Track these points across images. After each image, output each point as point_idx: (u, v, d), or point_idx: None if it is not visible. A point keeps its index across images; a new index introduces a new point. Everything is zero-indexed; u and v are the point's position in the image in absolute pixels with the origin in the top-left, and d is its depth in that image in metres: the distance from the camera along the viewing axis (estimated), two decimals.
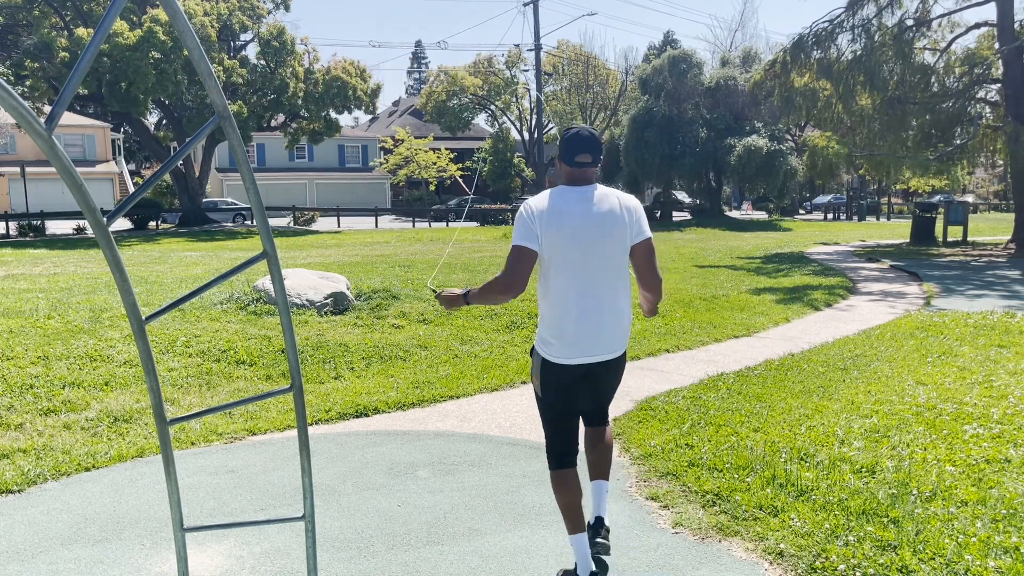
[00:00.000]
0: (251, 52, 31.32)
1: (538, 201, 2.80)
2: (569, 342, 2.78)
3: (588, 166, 2.82)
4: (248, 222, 33.82)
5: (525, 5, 39.53)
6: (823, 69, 19.42)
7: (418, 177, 42.57)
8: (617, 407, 5.33)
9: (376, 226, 34.36)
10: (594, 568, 2.85)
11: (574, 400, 2.89)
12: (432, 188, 44.38)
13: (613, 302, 2.83)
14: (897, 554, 2.99)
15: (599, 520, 3.06)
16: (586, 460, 3.10)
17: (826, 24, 19.44)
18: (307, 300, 8.39)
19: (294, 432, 4.89)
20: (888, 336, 7.61)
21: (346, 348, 7.05)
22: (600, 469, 3.10)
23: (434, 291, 3.18)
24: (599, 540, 3.01)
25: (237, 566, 3.10)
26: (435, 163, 41.68)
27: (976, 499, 3.46)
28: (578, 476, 2.90)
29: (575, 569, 2.86)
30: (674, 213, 40.76)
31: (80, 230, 27.39)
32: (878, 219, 41.58)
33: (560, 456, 2.89)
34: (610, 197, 2.82)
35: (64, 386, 5.63)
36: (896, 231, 28.36)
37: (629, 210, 2.82)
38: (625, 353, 2.95)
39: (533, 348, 2.95)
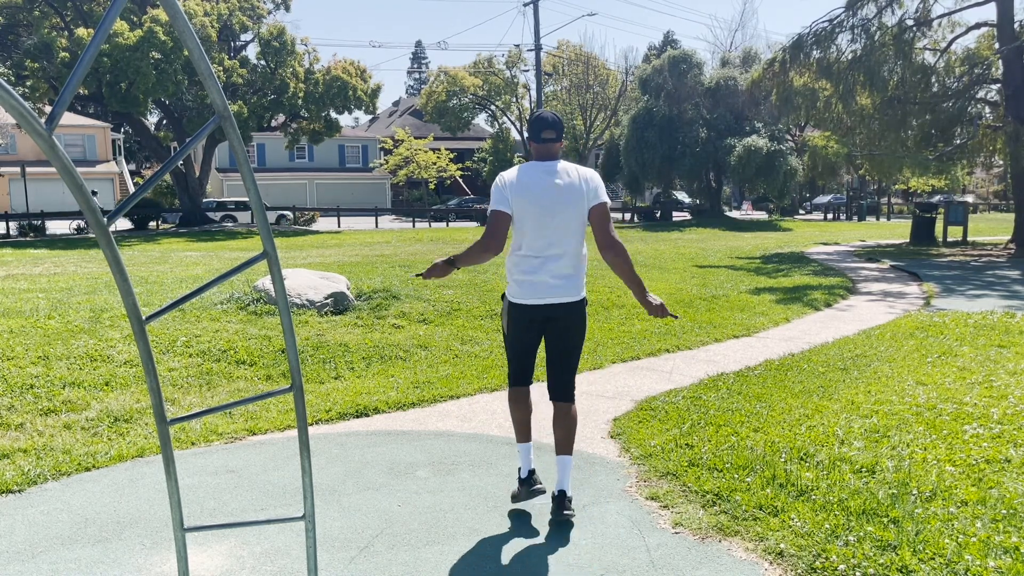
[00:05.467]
0: (251, 52, 31.36)
1: (510, 173, 3.36)
2: (532, 287, 3.33)
3: (552, 141, 3.35)
4: (245, 220, 33.79)
5: (525, 5, 39.54)
6: (823, 69, 19.42)
7: (418, 177, 42.56)
8: (617, 407, 5.33)
9: (376, 226, 34.36)
10: (532, 467, 3.52)
11: (531, 335, 3.46)
12: (432, 188, 44.38)
13: (570, 256, 3.34)
14: (897, 554, 2.99)
15: (562, 493, 3.44)
16: (553, 436, 3.53)
17: (826, 24, 19.44)
18: (307, 300, 8.39)
19: (294, 432, 4.89)
20: (888, 336, 7.61)
21: (346, 348, 7.05)
22: (565, 444, 3.47)
23: (418, 275, 3.53)
24: (564, 512, 3.39)
25: (237, 566, 3.10)
26: (435, 163, 41.67)
27: (976, 499, 3.46)
28: (530, 395, 3.54)
29: (518, 472, 3.48)
30: (674, 213, 40.76)
31: (80, 230, 27.38)
32: (878, 219, 41.59)
33: (518, 376, 3.53)
34: (570, 170, 3.34)
35: (64, 386, 5.63)
36: (896, 231, 28.36)
37: (586, 180, 3.33)
38: (583, 302, 3.46)
39: (503, 294, 3.51)
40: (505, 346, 3.57)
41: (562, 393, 3.50)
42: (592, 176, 3.36)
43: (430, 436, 4.78)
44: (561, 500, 3.42)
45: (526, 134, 3.41)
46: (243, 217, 33.79)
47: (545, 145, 3.34)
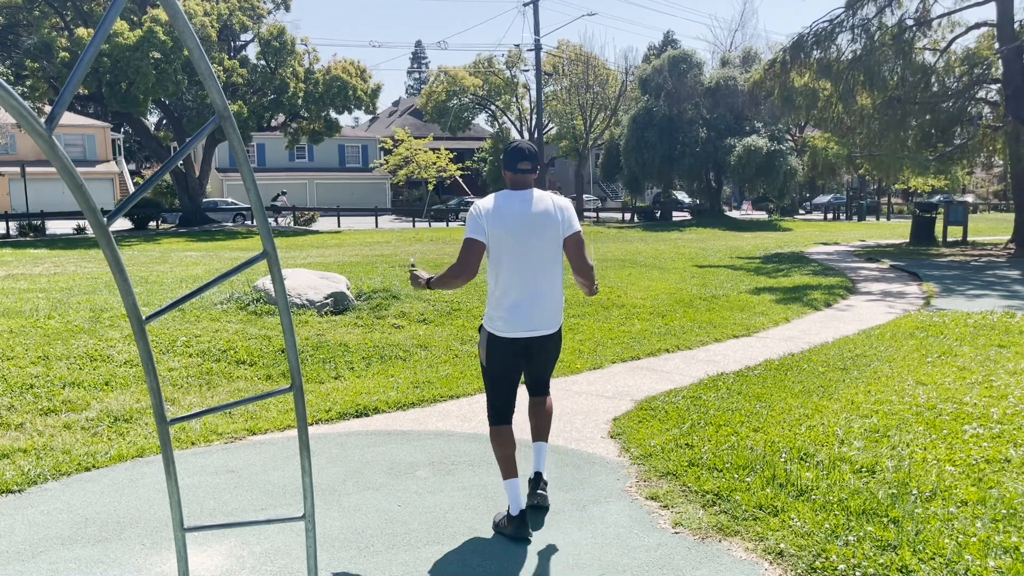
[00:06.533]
0: (251, 52, 31.34)
1: (486, 202, 3.36)
2: (511, 319, 3.33)
3: (528, 172, 3.38)
4: (248, 222, 33.81)
5: (525, 5, 39.53)
6: (823, 69, 19.42)
7: (418, 177, 42.55)
8: (617, 407, 5.33)
9: (376, 226, 34.36)
10: (523, 506, 3.36)
11: (514, 370, 3.44)
12: (431, 188, 44.38)
13: (548, 287, 3.37)
14: (897, 554, 2.99)
15: (538, 475, 3.59)
16: (529, 425, 3.61)
17: (826, 24, 19.43)
18: (307, 300, 8.39)
19: (294, 432, 4.89)
20: (888, 336, 7.61)
21: (346, 348, 7.05)
22: (541, 432, 3.58)
23: (412, 266, 3.61)
24: (539, 492, 3.56)
25: (237, 566, 3.10)
26: (435, 163, 41.65)
27: (976, 499, 3.46)
28: (513, 432, 3.45)
29: (508, 510, 3.36)
30: (674, 213, 40.75)
31: (80, 230, 27.39)
32: (878, 219, 41.58)
33: (500, 415, 3.45)
34: (545, 199, 3.39)
35: (64, 386, 5.63)
36: (896, 231, 28.36)
37: (561, 209, 3.38)
38: (560, 330, 3.49)
39: (481, 326, 3.48)
40: (485, 381, 3.49)
41: (539, 391, 3.62)
42: (566, 205, 3.43)
43: (430, 436, 4.78)
44: (536, 482, 3.56)
45: (503, 162, 3.43)
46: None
47: (521, 175, 3.38)
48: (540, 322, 3.36)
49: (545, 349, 3.45)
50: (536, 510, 3.56)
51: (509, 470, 3.38)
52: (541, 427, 3.58)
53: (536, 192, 3.40)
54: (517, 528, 3.31)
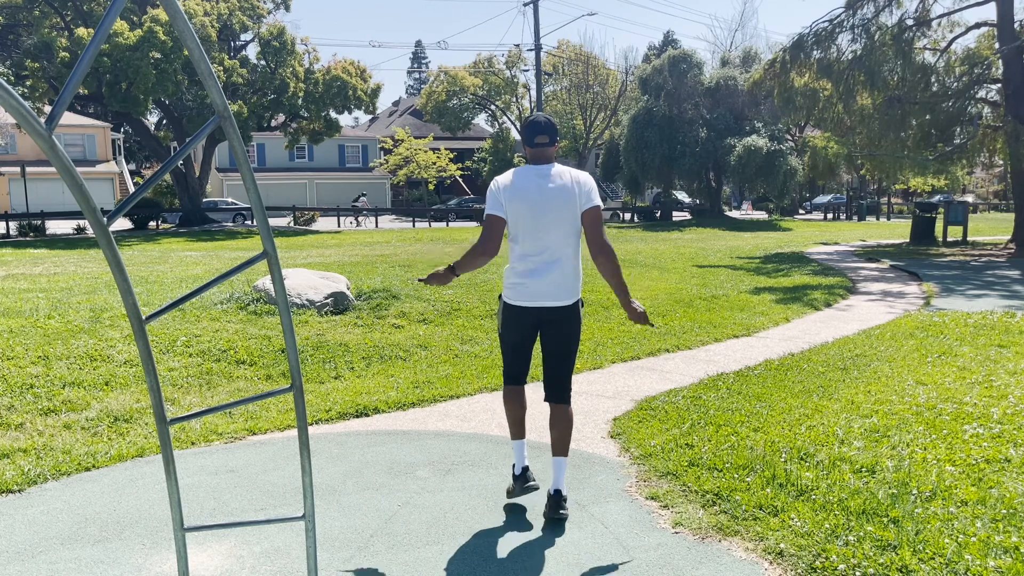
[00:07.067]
0: (251, 52, 31.33)
1: (504, 178, 3.40)
2: (526, 289, 3.37)
3: (546, 145, 3.38)
4: (248, 222, 33.82)
5: (525, 5, 39.55)
6: (823, 69, 19.42)
7: (418, 177, 42.56)
8: (617, 407, 5.34)
9: (376, 226, 34.35)
10: (525, 464, 3.54)
11: (528, 338, 3.50)
12: (431, 188, 44.38)
13: (564, 259, 3.37)
14: (897, 554, 2.99)
15: (558, 492, 3.48)
16: (549, 437, 3.57)
17: (826, 24, 19.44)
18: (307, 300, 8.39)
19: (294, 432, 4.89)
20: (888, 336, 7.61)
21: (346, 348, 7.05)
22: (560, 446, 3.51)
23: (420, 280, 3.57)
24: (561, 511, 3.44)
25: (237, 566, 3.10)
26: (435, 163, 41.66)
27: (976, 499, 3.46)
28: (524, 393, 3.59)
29: (513, 468, 3.52)
30: (674, 213, 40.74)
31: (80, 230, 27.39)
32: (878, 219, 41.58)
33: (513, 376, 3.58)
34: (563, 173, 3.36)
35: (64, 386, 5.63)
36: (896, 231, 28.36)
37: (579, 183, 3.36)
38: (577, 305, 3.45)
39: (500, 295, 3.56)
40: (501, 344, 3.62)
41: (557, 395, 3.53)
42: (586, 179, 3.39)
43: (430, 436, 4.78)
44: (556, 500, 3.46)
45: (521, 138, 3.45)
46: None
47: (539, 149, 3.38)
48: (553, 293, 3.36)
49: (558, 323, 3.42)
50: (554, 523, 3.48)
51: (517, 431, 3.55)
52: (561, 441, 3.50)
53: (556, 167, 3.38)
54: (519, 485, 3.52)
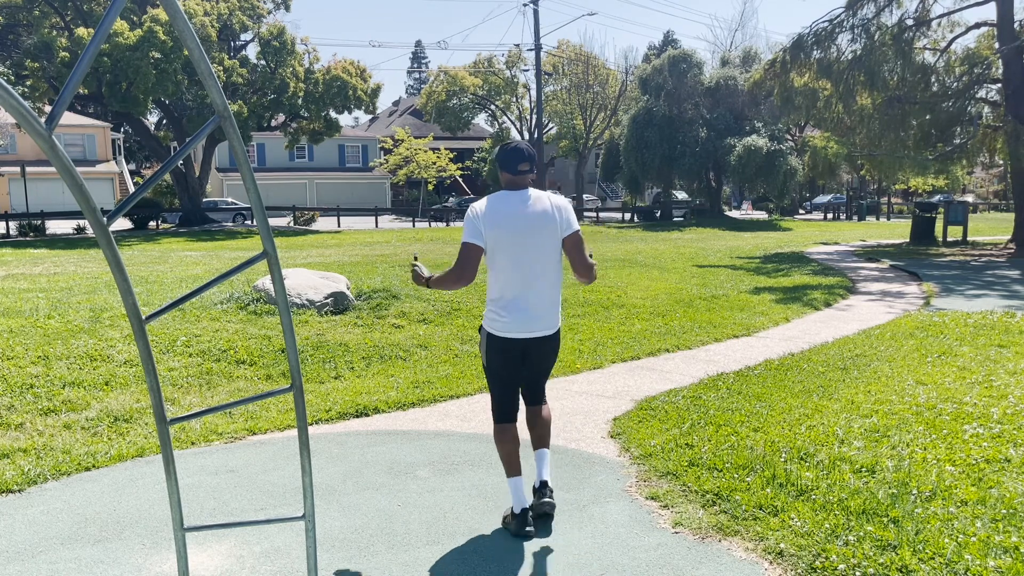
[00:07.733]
0: (251, 52, 31.32)
1: (482, 204, 3.32)
2: (509, 320, 3.31)
3: (527, 173, 3.34)
4: (248, 222, 33.82)
5: (525, 5, 39.57)
6: (823, 69, 19.42)
7: (418, 177, 42.55)
8: (617, 407, 5.34)
9: (376, 226, 34.36)
10: (525, 504, 3.37)
11: (515, 368, 3.42)
12: (431, 188, 44.37)
13: (547, 287, 3.35)
14: (897, 554, 2.99)
15: (544, 483, 3.50)
16: (529, 435, 3.58)
17: (826, 24, 19.44)
18: (307, 300, 8.39)
19: (294, 432, 4.89)
20: (888, 336, 7.61)
21: (346, 348, 7.05)
22: (542, 440, 3.55)
23: (415, 260, 3.60)
24: (545, 500, 3.45)
25: (237, 566, 3.10)
26: (435, 163, 41.65)
27: (976, 499, 3.46)
28: (517, 430, 3.47)
29: (511, 508, 3.39)
30: (674, 213, 40.70)
31: (80, 230, 27.38)
32: (878, 219, 41.58)
33: (503, 413, 3.47)
34: (543, 199, 3.34)
35: (64, 386, 5.63)
36: (896, 231, 28.36)
37: (559, 208, 3.34)
38: (559, 332, 3.46)
39: (481, 326, 3.47)
40: (487, 379, 3.50)
41: (535, 400, 3.57)
42: (565, 205, 3.39)
43: (430, 436, 4.78)
44: (542, 490, 3.47)
45: (498, 163, 3.35)
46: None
47: (521, 176, 3.33)
48: (538, 323, 3.33)
49: (543, 351, 3.42)
50: (544, 518, 3.47)
51: (512, 468, 3.40)
52: (541, 436, 3.54)
53: (533, 192, 3.34)
54: (519, 526, 3.34)
